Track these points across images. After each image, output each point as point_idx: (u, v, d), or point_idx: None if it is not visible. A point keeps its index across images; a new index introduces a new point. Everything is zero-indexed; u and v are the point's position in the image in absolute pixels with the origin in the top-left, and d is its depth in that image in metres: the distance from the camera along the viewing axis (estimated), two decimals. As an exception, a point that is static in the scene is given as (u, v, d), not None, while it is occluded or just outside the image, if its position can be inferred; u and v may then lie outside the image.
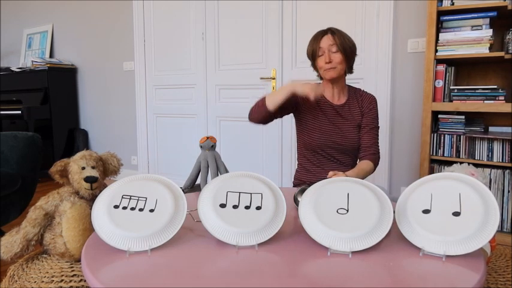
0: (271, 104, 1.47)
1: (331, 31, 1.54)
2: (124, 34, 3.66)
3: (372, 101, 1.65)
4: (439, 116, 2.19)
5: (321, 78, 1.66)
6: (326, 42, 1.52)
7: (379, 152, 1.64)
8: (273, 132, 2.95)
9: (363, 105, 1.64)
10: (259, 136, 3.05)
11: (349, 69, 1.61)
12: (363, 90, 1.68)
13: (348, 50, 1.53)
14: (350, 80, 2.56)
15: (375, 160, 1.61)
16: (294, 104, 1.62)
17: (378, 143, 1.65)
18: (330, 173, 1.35)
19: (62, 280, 1.08)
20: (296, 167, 1.79)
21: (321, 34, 1.55)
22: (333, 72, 1.53)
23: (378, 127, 1.66)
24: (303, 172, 1.70)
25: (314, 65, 1.61)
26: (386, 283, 0.76)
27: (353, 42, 1.57)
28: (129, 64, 3.67)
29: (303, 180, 1.68)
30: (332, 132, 1.60)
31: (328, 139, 1.60)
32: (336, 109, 1.62)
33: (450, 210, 0.91)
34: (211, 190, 1.03)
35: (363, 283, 0.76)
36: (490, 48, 2.01)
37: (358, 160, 1.65)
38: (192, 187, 1.85)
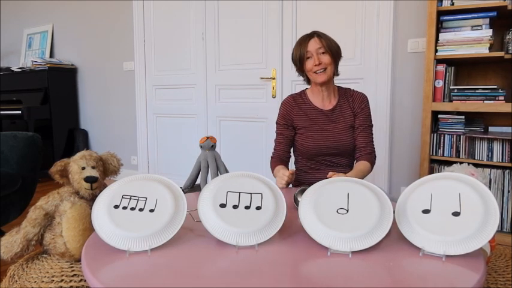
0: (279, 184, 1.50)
1: (317, 34, 1.55)
2: (124, 34, 3.66)
3: (363, 99, 1.65)
4: (439, 116, 2.19)
5: (308, 82, 1.66)
6: (313, 45, 1.53)
7: (374, 151, 1.64)
8: (273, 132, 2.94)
9: (354, 105, 1.64)
10: (259, 136, 3.05)
11: (336, 71, 1.61)
12: (353, 90, 1.68)
13: (334, 52, 1.55)
14: (350, 80, 2.56)
15: (371, 159, 1.61)
16: (294, 131, 1.67)
17: (372, 141, 1.65)
18: (330, 173, 1.35)
19: (62, 280, 1.08)
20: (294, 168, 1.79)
21: (308, 38, 1.55)
22: (323, 75, 1.54)
23: (372, 125, 1.66)
24: (301, 174, 1.70)
25: (301, 69, 1.61)
26: (386, 283, 0.76)
27: (338, 45, 1.58)
28: (129, 64, 3.68)
29: (302, 182, 1.68)
30: (325, 139, 1.61)
31: (322, 146, 1.61)
32: (327, 114, 1.62)
33: (450, 210, 0.91)
34: (211, 190, 1.03)
35: (363, 283, 0.76)
36: (490, 48, 2.01)
37: (355, 161, 1.65)
38: (192, 187, 1.85)
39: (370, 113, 1.66)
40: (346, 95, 1.66)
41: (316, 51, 1.52)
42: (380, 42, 2.50)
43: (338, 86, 1.68)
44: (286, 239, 0.99)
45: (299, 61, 1.57)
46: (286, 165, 1.69)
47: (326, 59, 1.53)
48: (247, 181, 1.05)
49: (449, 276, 0.78)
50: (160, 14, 3.41)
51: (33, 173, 2.08)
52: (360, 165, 1.58)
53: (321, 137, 1.61)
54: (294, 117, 1.65)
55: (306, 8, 2.73)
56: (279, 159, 1.68)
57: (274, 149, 1.71)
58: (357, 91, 1.67)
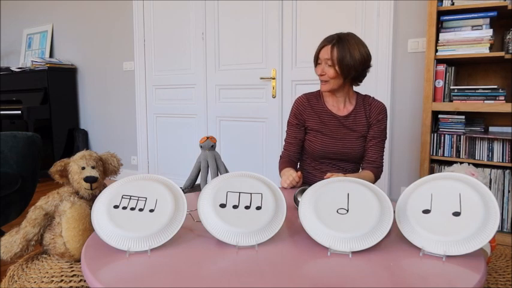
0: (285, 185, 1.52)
1: (335, 43, 1.45)
2: (124, 34, 3.66)
3: (381, 111, 1.57)
4: (439, 116, 2.19)
5: None
6: (324, 54, 1.48)
7: (382, 166, 1.61)
8: (273, 132, 2.95)
9: (370, 115, 1.57)
10: (259, 136, 3.05)
11: (353, 81, 1.54)
12: (372, 98, 1.60)
13: (344, 68, 1.45)
14: (350, 80, 2.56)
15: (378, 173, 1.59)
16: (305, 131, 1.65)
17: (382, 156, 1.60)
18: (328, 174, 1.34)
19: (61, 280, 1.08)
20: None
21: (325, 43, 1.49)
22: (325, 86, 1.52)
23: (385, 139, 1.61)
24: (305, 174, 1.69)
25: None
26: (386, 283, 0.76)
27: (355, 59, 1.44)
28: (129, 64, 3.68)
29: (305, 182, 1.67)
30: (335, 144, 1.57)
31: (330, 151, 1.58)
32: (340, 120, 1.57)
33: (450, 210, 0.91)
34: (211, 190, 1.03)
35: (363, 283, 0.76)
36: (490, 48, 2.01)
37: (361, 169, 1.64)
38: (192, 187, 1.85)
39: (386, 126, 1.59)
40: (364, 102, 1.59)
41: (324, 61, 1.49)
42: (380, 42, 2.50)
43: (357, 92, 1.62)
44: (286, 239, 0.98)
45: (314, 61, 1.55)
46: (295, 167, 1.67)
47: (330, 72, 1.47)
48: (247, 181, 1.05)
49: (449, 277, 0.78)
50: (160, 14, 3.41)
51: (33, 173, 2.08)
52: (365, 172, 1.56)
53: (331, 142, 1.57)
54: (306, 117, 1.61)
55: (306, 7, 2.73)
56: (288, 159, 1.66)
57: (284, 149, 1.68)
58: (376, 100, 1.60)
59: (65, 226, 1.15)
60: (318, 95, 1.64)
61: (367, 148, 1.59)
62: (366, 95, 1.63)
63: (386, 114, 1.60)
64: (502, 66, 2.21)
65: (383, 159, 1.61)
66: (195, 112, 3.35)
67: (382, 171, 1.62)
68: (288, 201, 1.10)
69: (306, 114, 1.61)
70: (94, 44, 3.91)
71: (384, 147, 1.61)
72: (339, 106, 1.60)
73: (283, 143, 1.71)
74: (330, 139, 1.58)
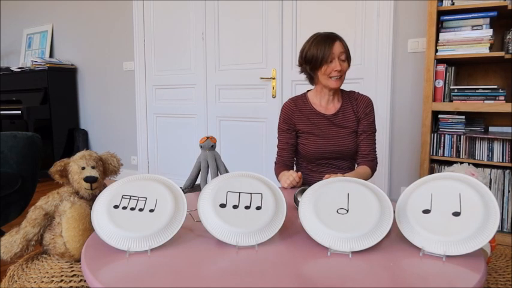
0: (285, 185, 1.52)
1: (339, 38, 1.50)
2: (124, 34, 3.66)
3: (367, 104, 1.60)
4: (439, 116, 2.19)
5: (312, 83, 1.62)
6: (338, 48, 1.48)
7: (376, 158, 1.63)
8: (273, 132, 2.95)
9: (358, 109, 1.59)
10: (259, 136, 3.05)
11: None
12: (357, 93, 1.63)
13: (350, 60, 1.54)
14: (350, 80, 2.56)
15: (373, 166, 1.60)
16: (296, 135, 1.65)
17: (375, 148, 1.62)
18: (327, 175, 1.34)
19: (61, 280, 1.08)
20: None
21: (332, 39, 1.48)
22: (339, 82, 1.51)
23: (375, 131, 1.63)
24: (302, 177, 1.69)
25: (314, 69, 1.52)
26: (386, 283, 0.76)
27: None
28: (129, 64, 3.67)
29: (302, 184, 1.67)
30: (327, 143, 1.58)
31: (324, 150, 1.59)
32: (329, 118, 1.59)
33: (450, 210, 0.91)
34: (211, 190, 1.03)
35: (363, 283, 0.76)
36: (490, 48, 2.01)
37: (356, 165, 1.65)
38: (192, 187, 1.85)
39: (374, 118, 1.62)
40: (350, 98, 1.62)
41: (338, 56, 1.48)
42: (380, 42, 2.50)
43: (341, 89, 1.64)
44: (286, 239, 0.98)
45: (319, 61, 1.48)
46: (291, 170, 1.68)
47: (345, 66, 1.50)
48: (247, 181, 1.05)
49: (449, 277, 0.78)
50: (160, 14, 3.41)
51: (33, 173, 2.08)
52: (361, 169, 1.57)
53: (323, 142, 1.58)
54: (295, 121, 1.62)
55: (306, 7, 2.73)
56: (283, 164, 1.66)
57: (278, 155, 1.69)
58: (361, 94, 1.62)
59: (65, 226, 1.15)
60: (303, 97, 1.65)
61: (359, 142, 1.61)
62: (350, 91, 1.65)
63: (373, 107, 1.63)
64: (502, 66, 2.21)
65: (376, 151, 1.63)
66: (195, 112, 3.35)
67: (377, 163, 1.64)
68: (288, 201, 1.10)
69: (295, 118, 1.62)
70: (94, 44, 3.91)
71: (375, 140, 1.63)
72: (327, 105, 1.61)
73: (276, 149, 1.71)
74: (323, 139, 1.59)
